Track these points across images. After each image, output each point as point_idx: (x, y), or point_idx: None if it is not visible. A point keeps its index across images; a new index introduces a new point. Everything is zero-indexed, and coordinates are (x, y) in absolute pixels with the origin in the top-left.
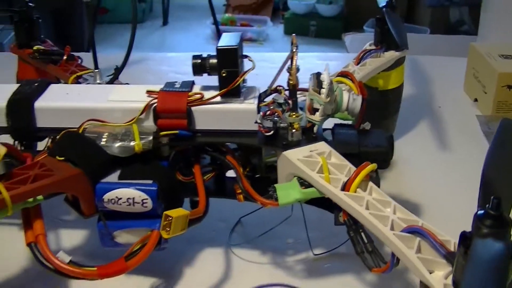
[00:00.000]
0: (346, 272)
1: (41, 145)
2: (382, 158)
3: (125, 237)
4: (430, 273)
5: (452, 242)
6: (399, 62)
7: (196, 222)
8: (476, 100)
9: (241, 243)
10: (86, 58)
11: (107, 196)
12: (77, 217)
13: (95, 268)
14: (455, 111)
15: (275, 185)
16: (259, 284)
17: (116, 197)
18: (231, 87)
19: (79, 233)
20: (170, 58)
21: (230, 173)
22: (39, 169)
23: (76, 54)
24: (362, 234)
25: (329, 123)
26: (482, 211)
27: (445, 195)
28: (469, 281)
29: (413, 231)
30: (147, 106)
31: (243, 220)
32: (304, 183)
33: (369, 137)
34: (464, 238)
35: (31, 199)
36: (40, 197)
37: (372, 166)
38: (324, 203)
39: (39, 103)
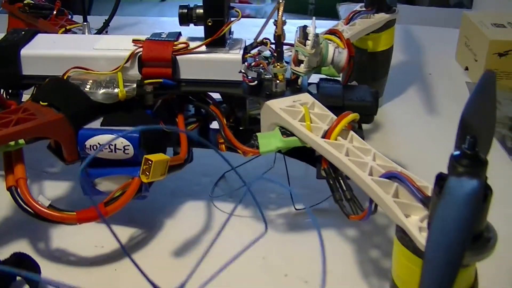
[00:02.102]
0: (327, 227)
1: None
2: (366, 112)
3: (106, 184)
4: (407, 217)
5: (430, 188)
6: (389, 25)
7: (177, 169)
8: (467, 68)
9: (223, 196)
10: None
11: (89, 142)
12: (61, 169)
13: (74, 213)
14: (445, 78)
15: (257, 133)
16: None
17: (98, 143)
18: (217, 36)
19: (63, 184)
20: (163, 22)
21: (215, 126)
22: (22, 113)
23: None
24: (341, 181)
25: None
26: (458, 151)
27: (431, 157)
28: (441, 218)
29: (391, 176)
30: (132, 55)
31: (227, 175)
32: (286, 133)
33: (354, 92)
34: (440, 178)
35: (12, 143)
36: (21, 141)
37: (353, 116)
38: (307, 156)
39: (25, 51)
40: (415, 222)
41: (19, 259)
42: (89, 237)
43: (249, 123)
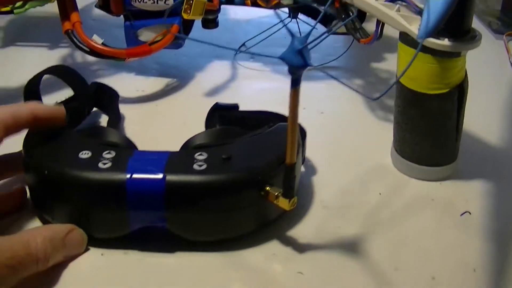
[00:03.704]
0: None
1: None
2: None
3: (147, 34)
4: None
5: None
6: None
7: (211, 14)
8: None
9: (245, 59)
10: None
11: None
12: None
13: (123, 50)
14: None
15: None
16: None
17: None
18: None
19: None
20: None
21: None
22: None
23: None
24: (352, 16)
25: None
26: None
27: None
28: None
29: None
30: None
31: (247, 43)
32: None
33: None
34: None
35: None
36: None
37: None
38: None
39: None
40: (415, 26)
41: (99, 86)
42: (132, 84)
43: None
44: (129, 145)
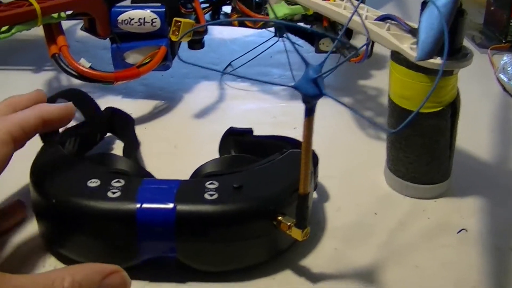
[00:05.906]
0: (327, 97)
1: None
2: None
3: (135, 57)
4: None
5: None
6: None
7: (198, 34)
8: None
9: (233, 77)
10: None
11: (121, 17)
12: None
13: (112, 73)
14: None
15: (267, 5)
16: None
17: (129, 17)
18: None
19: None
20: None
21: None
22: None
23: None
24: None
25: None
26: None
27: None
28: (426, 17)
29: (384, 18)
30: None
31: (234, 63)
32: (291, 3)
33: None
34: (423, 2)
35: (55, 15)
36: (63, 14)
37: None
38: (307, 35)
39: None
40: (407, 45)
41: (114, 111)
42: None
43: (255, 8)
44: (140, 173)
